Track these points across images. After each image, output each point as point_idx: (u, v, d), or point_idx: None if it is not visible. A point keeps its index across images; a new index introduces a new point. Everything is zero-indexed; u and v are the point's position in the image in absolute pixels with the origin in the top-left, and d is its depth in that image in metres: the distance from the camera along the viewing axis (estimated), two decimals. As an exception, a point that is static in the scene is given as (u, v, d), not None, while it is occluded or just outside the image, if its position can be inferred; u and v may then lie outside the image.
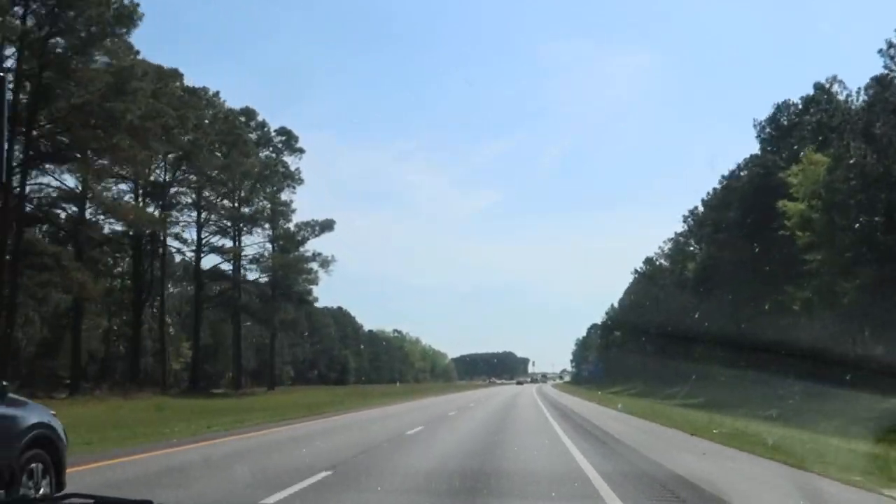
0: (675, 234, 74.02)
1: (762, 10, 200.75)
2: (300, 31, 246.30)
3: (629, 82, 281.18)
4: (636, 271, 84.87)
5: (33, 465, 6.46)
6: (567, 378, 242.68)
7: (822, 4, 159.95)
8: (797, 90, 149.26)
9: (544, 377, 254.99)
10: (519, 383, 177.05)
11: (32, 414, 6.68)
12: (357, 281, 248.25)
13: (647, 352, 79.45)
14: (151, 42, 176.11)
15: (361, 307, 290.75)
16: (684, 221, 71.39)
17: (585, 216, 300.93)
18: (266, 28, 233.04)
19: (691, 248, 70.46)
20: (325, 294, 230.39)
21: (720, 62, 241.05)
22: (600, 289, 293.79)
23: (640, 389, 75.53)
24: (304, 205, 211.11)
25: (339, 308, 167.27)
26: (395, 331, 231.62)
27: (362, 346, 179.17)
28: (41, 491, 6.37)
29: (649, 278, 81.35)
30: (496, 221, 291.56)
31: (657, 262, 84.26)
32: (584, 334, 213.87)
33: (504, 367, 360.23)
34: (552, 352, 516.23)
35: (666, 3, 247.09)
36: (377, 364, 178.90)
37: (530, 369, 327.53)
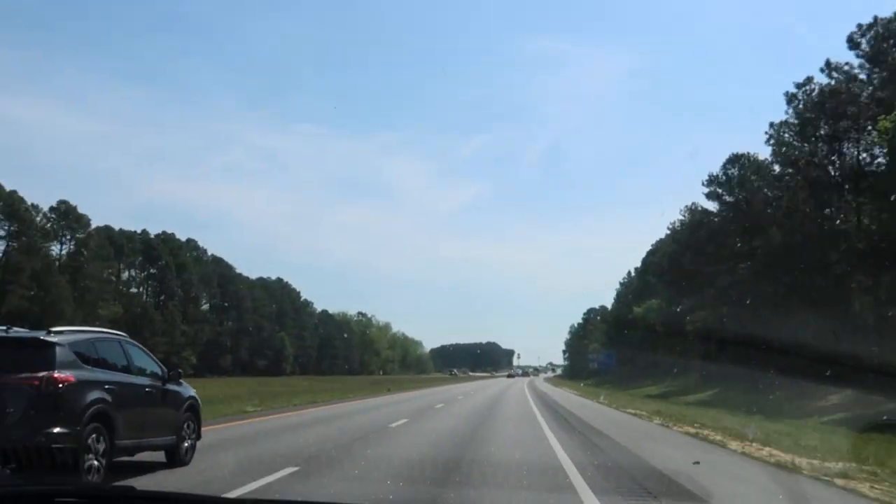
0: (789, 112, 40.18)
1: (743, 7, 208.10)
2: (287, 25, 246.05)
3: (612, 78, 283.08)
4: (714, 178, 50.27)
5: (187, 422, 10.53)
6: (559, 371, 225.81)
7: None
8: (779, 85, 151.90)
9: (536, 371, 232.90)
10: (510, 376, 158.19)
11: (186, 389, 10.86)
12: (340, 272, 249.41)
13: (708, 330, 47.20)
14: (150, 35, 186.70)
15: (342, 299, 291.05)
16: (796, 95, 38.72)
17: (568, 210, 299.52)
18: (253, 22, 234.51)
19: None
20: (310, 286, 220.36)
21: (701, 59, 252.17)
22: (585, 282, 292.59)
23: (722, 395, 43.07)
24: (290, 195, 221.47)
25: (279, 279, 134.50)
26: (360, 313, 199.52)
27: (312, 328, 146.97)
28: (192, 436, 10.58)
29: (737, 189, 48.03)
30: (480, 214, 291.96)
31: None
32: (581, 320, 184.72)
33: (488, 359, 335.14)
34: (538, 345, 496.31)
35: (648, 1, 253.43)
36: (330, 351, 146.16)
37: (515, 362, 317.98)
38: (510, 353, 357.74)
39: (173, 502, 3.56)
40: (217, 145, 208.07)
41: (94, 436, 7.93)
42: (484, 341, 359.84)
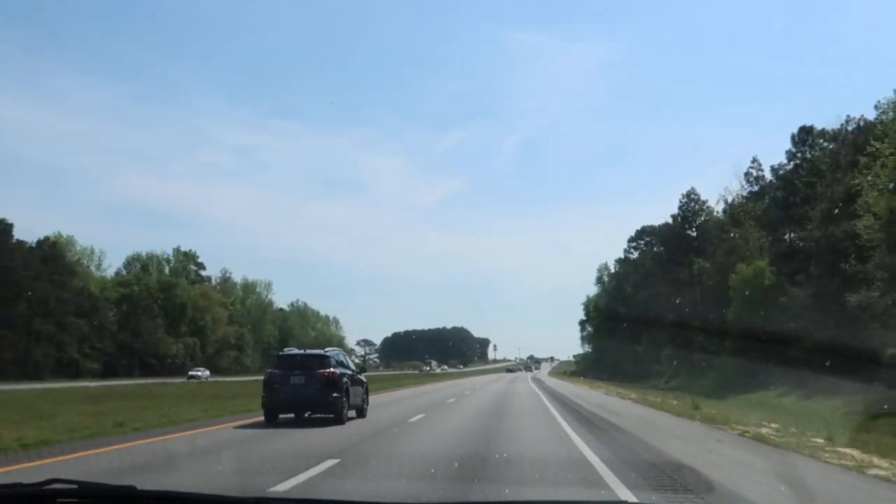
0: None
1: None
2: (264, 20, 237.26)
3: (589, 71, 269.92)
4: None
5: (365, 395, 21.13)
6: (558, 363, 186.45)
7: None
8: (757, 78, 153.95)
9: (537, 363, 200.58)
10: (509, 371, 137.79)
11: (363, 378, 21.48)
12: (316, 268, 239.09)
13: None
14: (126, 31, 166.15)
15: (319, 294, 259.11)
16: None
17: (546, 205, 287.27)
18: (230, 17, 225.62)
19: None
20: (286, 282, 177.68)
21: (679, 52, 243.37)
22: (565, 276, 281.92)
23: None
24: (268, 191, 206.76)
25: None
26: (180, 251, 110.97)
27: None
28: (366, 404, 21.34)
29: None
30: (457, 209, 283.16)
31: None
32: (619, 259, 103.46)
33: (451, 349, 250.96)
34: (516, 338, 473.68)
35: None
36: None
37: (491, 354, 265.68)
38: (485, 342, 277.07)
39: (173, 501, 3.63)
40: (192, 142, 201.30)
41: (344, 399, 17.94)
42: (449, 326, 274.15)
